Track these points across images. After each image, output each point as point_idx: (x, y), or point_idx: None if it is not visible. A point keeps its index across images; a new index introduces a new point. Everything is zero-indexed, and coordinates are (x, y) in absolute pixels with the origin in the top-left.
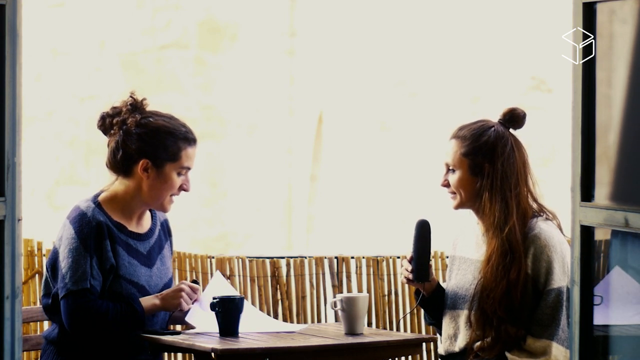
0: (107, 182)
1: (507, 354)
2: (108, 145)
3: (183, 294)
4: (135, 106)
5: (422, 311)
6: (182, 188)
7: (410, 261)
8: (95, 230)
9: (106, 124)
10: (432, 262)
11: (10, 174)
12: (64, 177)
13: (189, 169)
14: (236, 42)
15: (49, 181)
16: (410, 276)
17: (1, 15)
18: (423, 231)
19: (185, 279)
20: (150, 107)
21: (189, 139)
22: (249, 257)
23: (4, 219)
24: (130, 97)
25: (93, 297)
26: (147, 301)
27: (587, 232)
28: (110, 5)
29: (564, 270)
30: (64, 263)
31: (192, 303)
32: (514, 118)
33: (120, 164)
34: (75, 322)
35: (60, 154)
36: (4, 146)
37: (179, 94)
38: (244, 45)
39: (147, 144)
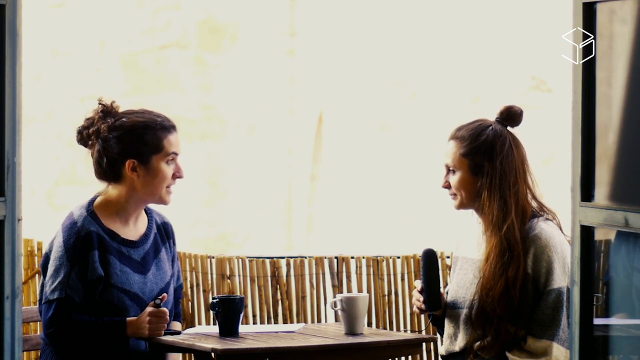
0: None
1: (508, 354)
2: (92, 157)
3: (147, 325)
4: (106, 111)
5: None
6: (175, 176)
7: (420, 292)
8: (82, 241)
9: (84, 137)
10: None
11: (10, 174)
12: (64, 177)
13: (176, 154)
14: (236, 42)
15: (49, 181)
16: (423, 306)
17: (1, 15)
18: (430, 261)
19: (186, 279)
20: (149, 107)
21: (167, 127)
22: (249, 257)
23: (4, 219)
24: (99, 104)
25: (69, 307)
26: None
27: (587, 232)
28: (110, 5)
29: (565, 270)
30: (48, 270)
31: (168, 325)
32: (511, 115)
33: (108, 171)
34: (47, 328)
35: (60, 154)
36: (4, 146)
37: (179, 94)
38: (244, 45)
39: (126, 143)
